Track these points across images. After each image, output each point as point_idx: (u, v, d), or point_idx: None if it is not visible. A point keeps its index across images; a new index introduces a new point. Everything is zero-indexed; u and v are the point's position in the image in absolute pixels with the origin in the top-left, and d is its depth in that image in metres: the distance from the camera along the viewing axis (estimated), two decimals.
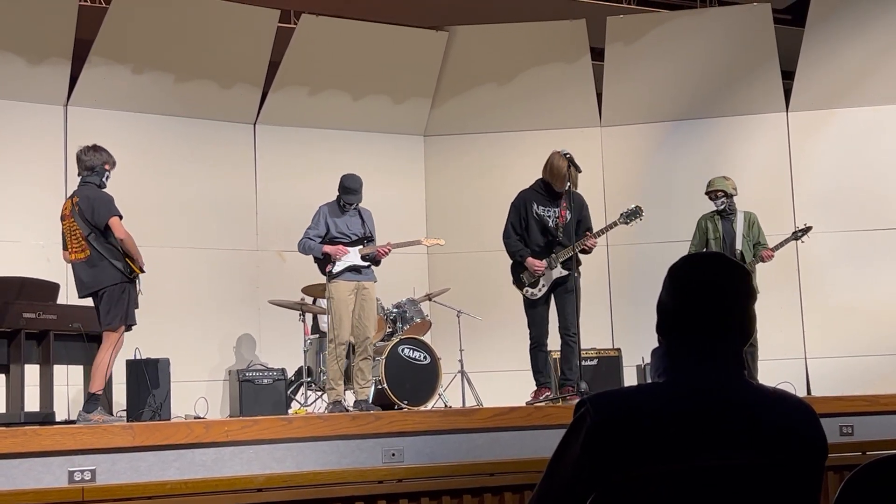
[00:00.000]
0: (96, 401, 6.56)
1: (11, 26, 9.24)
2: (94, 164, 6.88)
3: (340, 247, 7.65)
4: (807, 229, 8.39)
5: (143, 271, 6.81)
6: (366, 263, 7.74)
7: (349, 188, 7.77)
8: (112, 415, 6.85)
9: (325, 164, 10.51)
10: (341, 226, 7.76)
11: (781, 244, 8.28)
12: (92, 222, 6.65)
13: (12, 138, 9.51)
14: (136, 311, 6.82)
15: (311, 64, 10.48)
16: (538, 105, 10.98)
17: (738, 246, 8.25)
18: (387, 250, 7.78)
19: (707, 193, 8.46)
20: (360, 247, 7.73)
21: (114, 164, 7.02)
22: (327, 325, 7.86)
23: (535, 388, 7.43)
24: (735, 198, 8.42)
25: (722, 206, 8.36)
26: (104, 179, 6.92)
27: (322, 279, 8.43)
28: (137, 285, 6.81)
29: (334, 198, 7.89)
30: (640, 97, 10.93)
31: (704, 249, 8.41)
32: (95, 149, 6.95)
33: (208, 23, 10.00)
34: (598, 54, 10.88)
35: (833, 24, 10.38)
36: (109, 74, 9.80)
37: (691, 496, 2.01)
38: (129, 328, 6.81)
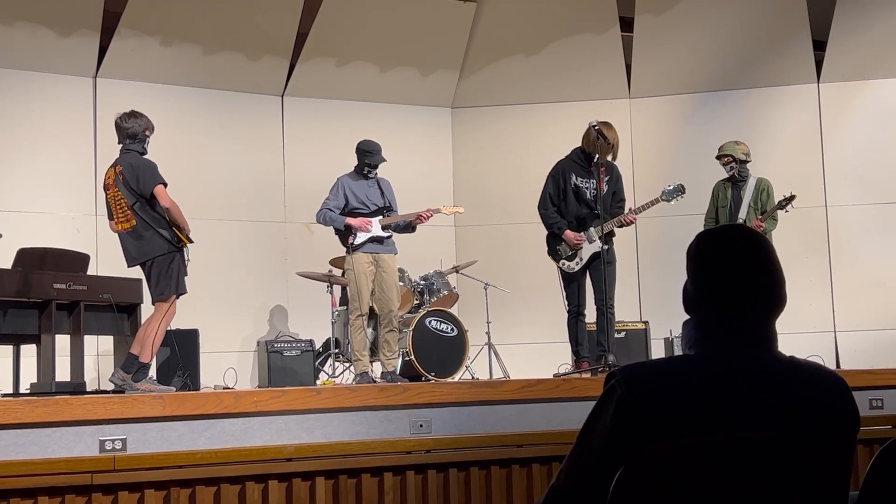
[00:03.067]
0: (145, 370, 6.61)
1: None
2: (135, 131, 6.89)
3: (364, 219, 7.65)
4: (791, 198, 8.19)
5: (190, 241, 6.80)
6: (387, 234, 7.73)
7: (368, 150, 7.77)
8: (161, 385, 6.86)
9: (353, 135, 10.41)
10: (361, 196, 7.75)
11: (769, 214, 8.14)
12: (137, 191, 6.65)
13: (42, 110, 9.55)
14: (185, 278, 6.83)
15: (339, 35, 10.45)
16: (567, 76, 10.92)
17: (742, 215, 8.11)
18: (429, 214, 7.81)
19: (717, 158, 8.36)
20: (381, 217, 7.73)
21: (153, 129, 7.00)
22: (349, 297, 7.88)
23: (575, 360, 7.42)
24: (749, 164, 8.30)
25: (731, 172, 8.26)
26: (146, 146, 6.93)
27: None
28: (185, 254, 6.82)
29: (352, 168, 7.89)
30: (669, 68, 10.84)
31: (715, 218, 8.34)
32: (135, 115, 6.94)
33: None
34: (627, 25, 10.79)
35: None
36: (138, 46, 9.81)
37: (722, 469, 2.00)
38: (178, 296, 6.83)
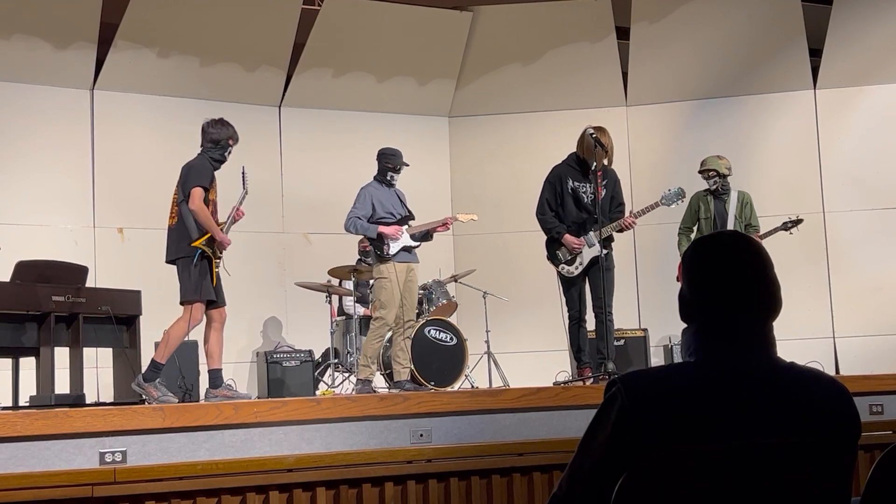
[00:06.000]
0: (157, 370, 6.59)
1: (38, 11, 9.29)
2: (219, 137, 6.89)
3: (396, 227, 7.61)
4: (798, 221, 8.27)
5: (215, 253, 6.75)
6: (416, 243, 7.72)
7: (393, 153, 7.78)
8: (170, 393, 6.83)
9: (350, 145, 10.52)
10: (387, 205, 7.72)
11: (770, 233, 8.21)
12: (183, 190, 6.68)
13: (39, 123, 9.56)
14: (212, 286, 6.77)
15: (336, 46, 10.48)
16: (563, 85, 10.94)
17: (730, 227, 8.18)
18: (451, 222, 7.81)
19: (700, 172, 8.44)
20: (407, 226, 7.71)
21: (237, 139, 7.00)
22: (374, 304, 7.74)
23: (577, 366, 7.41)
24: (729, 178, 8.37)
25: (714, 186, 8.33)
26: (227, 154, 6.92)
27: (349, 261, 8.46)
28: (219, 263, 6.80)
29: (371, 179, 7.85)
30: (665, 76, 10.87)
31: (694, 229, 8.39)
32: (222, 123, 6.94)
33: (233, 5, 10.01)
34: (623, 33, 10.82)
35: (861, 0, 10.27)
36: (135, 58, 9.83)
37: (723, 476, 2.00)
38: (209, 305, 6.80)
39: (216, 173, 6.92)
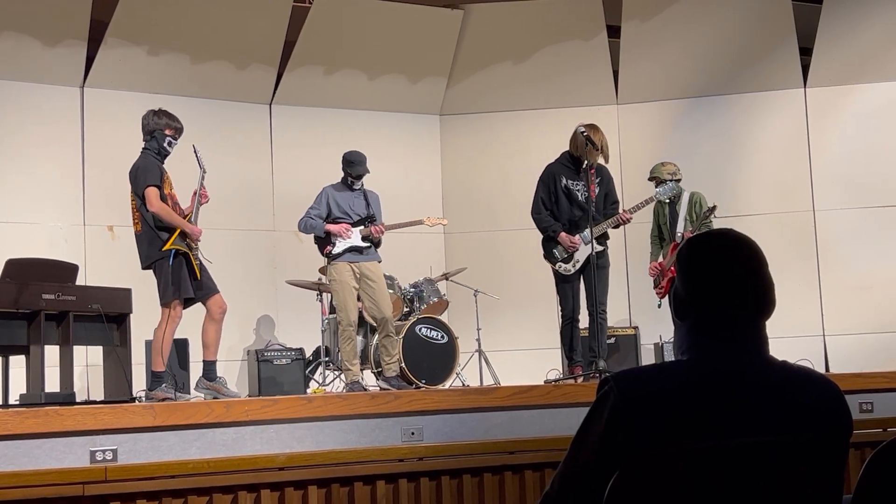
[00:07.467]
0: (159, 379, 6.61)
1: (27, 8, 9.25)
2: (152, 127, 6.86)
3: (344, 226, 7.64)
4: (712, 209, 8.28)
5: (190, 249, 6.74)
6: (366, 244, 7.73)
7: (352, 161, 7.79)
8: (175, 390, 6.83)
9: (341, 143, 10.44)
10: (344, 206, 7.75)
11: (697, 225, 8.25)
12: (137, 194, 6.66)
13: (29, 120, 9.53)
14: (192, 283, 6.76)
15: (327, 43, 10.46)
16: (554, 83, 10.94)
17: (680, 229, 8.24)
18: (381, 229, 7.75)
19: (649, 181, 8.53)
20: (361, 227, 7.73)
21: (179, 130, 6.92)
22: (336, 307, 7.89)
23: (568, 364, 7.43)
24: (679, 181, 8.39)
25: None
26: (165, 145, 6.87)
27: None
28: (197, 257, 6.79)
29: (339, 178, 7.91)
30: (656, 74, 10.87)
31: (659, 234, 8.48)
32: (157, 113, 6.91)
33: (224, 3, 9.98)
34: (614, 31, 10.82)
35: None
36: (125, 56, 9.80)
37: (716, 475, 2.00)
38: (187, 303, 6.79)
39: (169, 165, 6.89)
